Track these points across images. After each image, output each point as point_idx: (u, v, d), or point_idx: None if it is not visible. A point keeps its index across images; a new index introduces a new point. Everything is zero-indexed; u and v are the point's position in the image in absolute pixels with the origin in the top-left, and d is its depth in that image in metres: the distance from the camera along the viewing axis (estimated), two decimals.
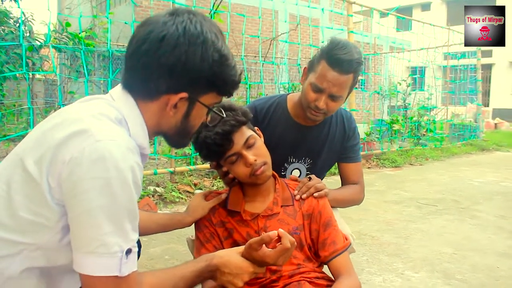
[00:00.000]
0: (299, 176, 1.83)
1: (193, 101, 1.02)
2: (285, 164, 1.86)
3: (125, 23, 4.61)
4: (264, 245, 1.13)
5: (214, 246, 1.43)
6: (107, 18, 4.33)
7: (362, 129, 7.24)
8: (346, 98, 1.74)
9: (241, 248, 1.17)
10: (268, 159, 1.43)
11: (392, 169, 6.72)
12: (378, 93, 9.29)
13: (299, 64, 6.46)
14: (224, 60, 1.00)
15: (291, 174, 1.86)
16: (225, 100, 1.15)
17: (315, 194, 1.50)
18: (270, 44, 6.53)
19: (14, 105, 7.13)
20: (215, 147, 1.36)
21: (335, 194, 1.75)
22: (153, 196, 4.12)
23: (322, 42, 6.55)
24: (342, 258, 1.43)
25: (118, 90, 1.03)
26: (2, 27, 5.76)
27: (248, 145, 1.39)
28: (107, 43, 5.43)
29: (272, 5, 5.88)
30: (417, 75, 9.55)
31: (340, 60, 1.58)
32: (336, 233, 1.46)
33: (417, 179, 5.87)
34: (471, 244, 3.14)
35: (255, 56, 6.20)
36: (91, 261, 0.86)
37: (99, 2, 11.28)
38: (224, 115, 1.22)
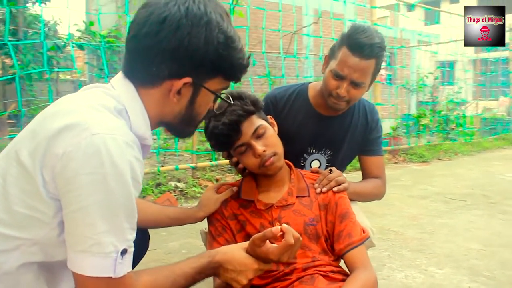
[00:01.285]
0: (318, 168, 1.77)
1: (198, 87, 0.97)
2: (305, 155, 1.81)
3: None
4: (268, 241, 1.07)
5: (226, 239, 1.39)
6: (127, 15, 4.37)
7: (388, 124, 7.09)
8: (370, 86, 1.68)
9: (246, 243, 1.11)
10: (279, 150, 1.39)
11: (420, 164, 6.54)
12: (405, 87, 9.07)
13: (321, 58, 6.36)
14: (230, 42, 0.95)
15: (310, 165, 1.81)
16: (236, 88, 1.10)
17: (335, 189, 1.44)
18: (292, 39, 6.45)
19: (44, 105, 7.34)
20: (222, 138, 1.34)
21: (356, 187, 1.69)
22: (174, 191, 4.13)
23: None
24: (357, 251, 1.36)
25: (118, 78, 0.99)
26: (32, 29, 5.94)
27: (257, 135, 1.35)
28: None
29: (293, 0, 5.79)
30: (445, 68, 9.26)
31: (361, 44, 1.53)
32: (352, 225, 1.40)
33: (446, 174, 5.69)
34: (501, 240, 3.00)
35: (277, 52, 6.15)
36: (84, 260, 0.82)
37: (123, 3, 11.46)
38: (232, 102, 1.17)
